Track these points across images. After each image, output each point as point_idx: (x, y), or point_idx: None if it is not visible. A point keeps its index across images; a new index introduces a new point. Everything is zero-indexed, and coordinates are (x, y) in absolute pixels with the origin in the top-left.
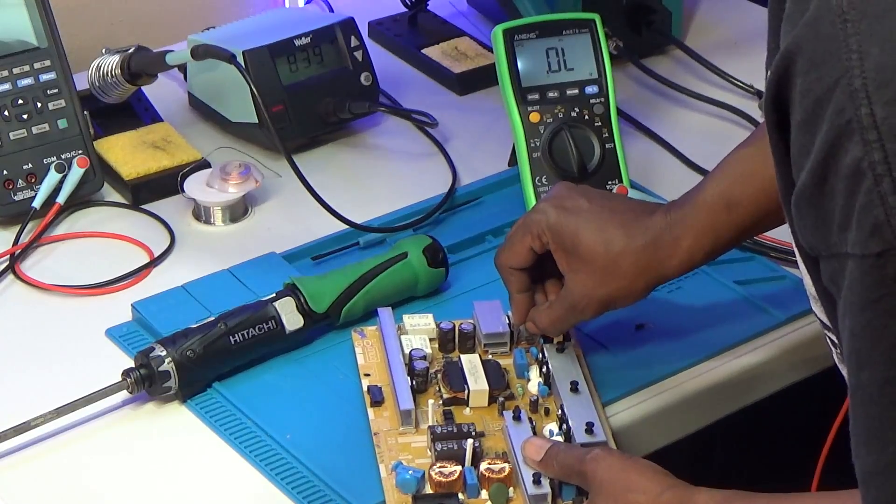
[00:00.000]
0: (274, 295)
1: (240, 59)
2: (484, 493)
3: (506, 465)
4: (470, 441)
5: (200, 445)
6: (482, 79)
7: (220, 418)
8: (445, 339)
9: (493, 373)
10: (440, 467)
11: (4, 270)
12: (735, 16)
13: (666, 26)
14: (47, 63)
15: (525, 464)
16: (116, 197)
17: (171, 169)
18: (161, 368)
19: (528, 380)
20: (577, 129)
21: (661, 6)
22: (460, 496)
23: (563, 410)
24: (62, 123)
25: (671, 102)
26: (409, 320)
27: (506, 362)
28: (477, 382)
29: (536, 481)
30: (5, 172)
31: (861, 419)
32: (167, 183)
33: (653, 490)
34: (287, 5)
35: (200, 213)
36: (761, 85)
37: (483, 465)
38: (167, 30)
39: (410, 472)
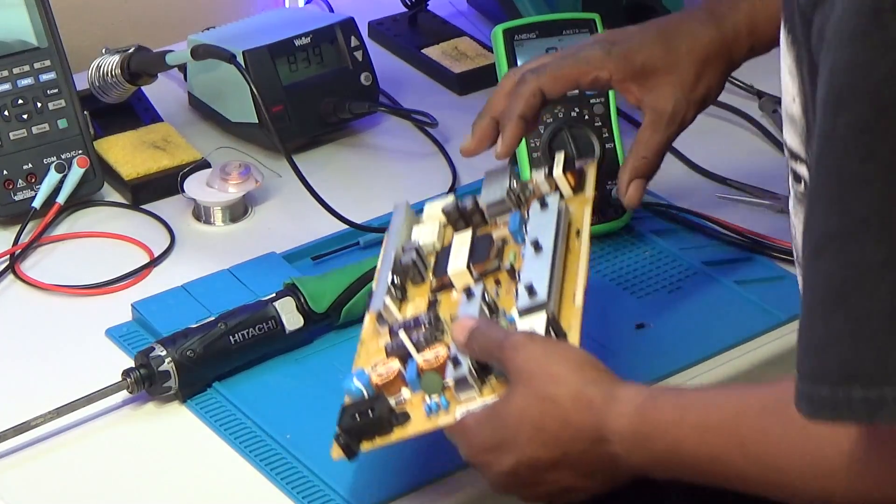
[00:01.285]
0: (274, 295)
1: (240, 59)
2: None
3: (442, 351)
4: (403, 332)
5: (200, 445)
6: (482, 79)
7: (220, 418)
8: (454, 219)
9: (480, 248)
10: (380, 365)
11: (4, 270)
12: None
13: None
14: (47, 63)
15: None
16: (116, 197)
17: (171, 169)
18: (161, 368)
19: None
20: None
21: (661, 6)
22: (406, 393)
23: (518, 275)
24: (62, 123)
25: None
26: (429, 209)
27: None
28: (456, 263)
29: (457, 363)
30: (5, 172)
31: (826, 177)
32: (167, 183)
33: (575, 383)
34: (287, 5)
35: (200, 213)
36: (761, 85)
37: (422, 356)
38: (167, 30)
39: (355, 378)
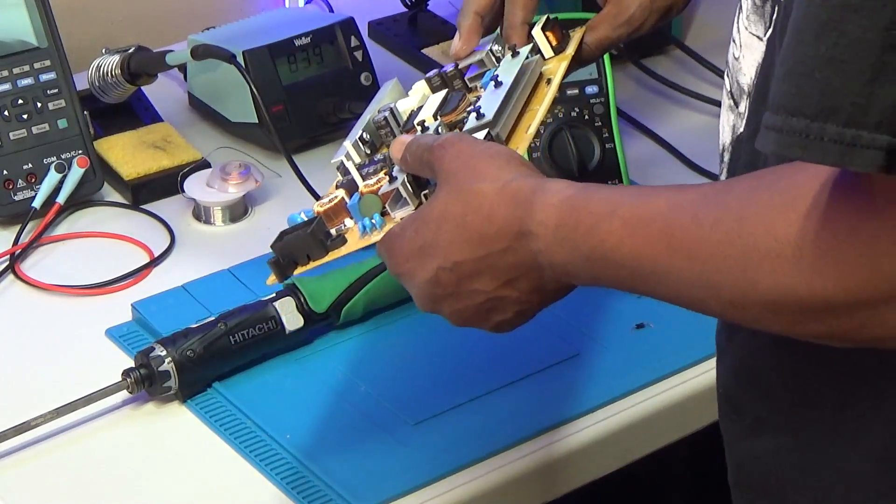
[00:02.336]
0: (274, 295)
1: (240, 59)
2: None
3: (385, 177)
4: (352, 167)
5: (200, 445)
6: None
7: (220, 418)
8: (436, 85)
9: (451, 101)
10: (326, 198)
11: (4, 270)
12: (735, 16)
13: (666, 26)
14: (47, 63)
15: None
16: (116, 197)
17: (171, 169)
18: (161, 368)
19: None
20: (577, 129)
21: None
22: (349, 223)
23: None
24: (62, 123)
25: (671, 102)
26: (417, 85)
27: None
28: (425, 113)
29: (392, 180)
30: (5, 172)
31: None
32: (167, 183)
33: (501, 178)
34: (287, 5)
35: (200, 213)
36: None
37: (364, 183)
38: (167, 30)
39: (301, 213)
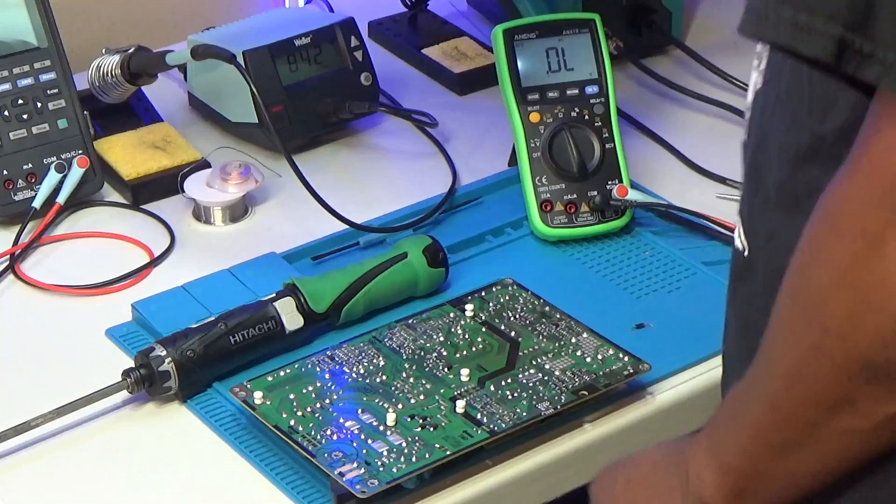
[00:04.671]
0: (274, 295)
1: (240, 59)
2: None
3: None
4: None
5: (200, 445)
6: (482, 79)
7: (220, 418)
8: None
9: None
10: None
11: (4, 270)
12: (735, 16)
13: (666, 26)
14: (47, 63)
15: None
16: (116, 197)
17: (171, 169)
18: (161, 368)
19: None
20: (577, 129)
21: (661, 6)
22: None
23: None
24: (62, 123)
25: (671, 102)
26: None
27: None
28: None
29: None
30: (5, 172)
31: None
32: (167, 183)
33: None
34: (287, 5)
35: (200, 213)
36: None
37: None
38: (167, 30)
39: None
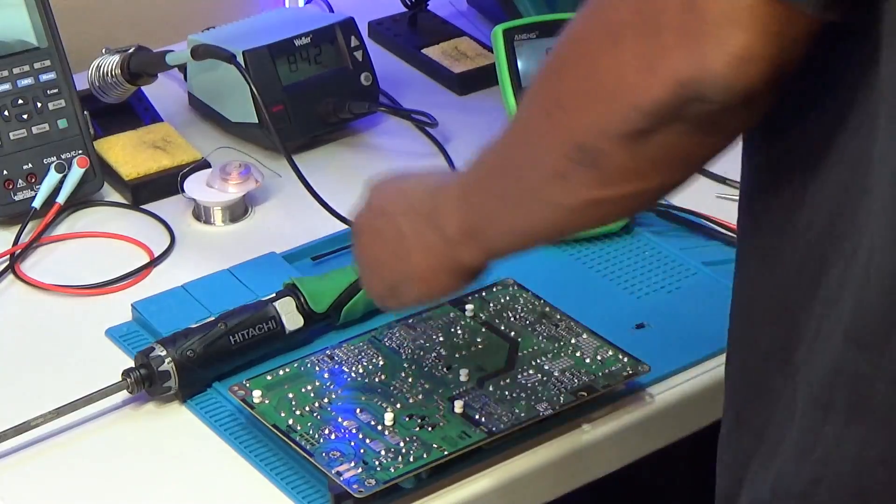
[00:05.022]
0: (274, 295)
1: (240, 59)
2: None
3: None
4: None
5: (200, 445)
6: (482, 79)
7: (220, 418)
8: None
9: None
10: None
11: (4, 270)
12: None
13: None
14: (47, 63)
15: None
16: (116, 197)
17: (171, 169)
18: (161, 368)
19: None
20: None
21: None
22: None
23: None
24: (62, 123)
25: None
26: None
27: None
28: None
29: None
30: (5, 172)
31: None
32: (167, 183)
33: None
34: (287, 5)
35: (200, 213)
36: None
37: None
38: (167, 30)
39: None
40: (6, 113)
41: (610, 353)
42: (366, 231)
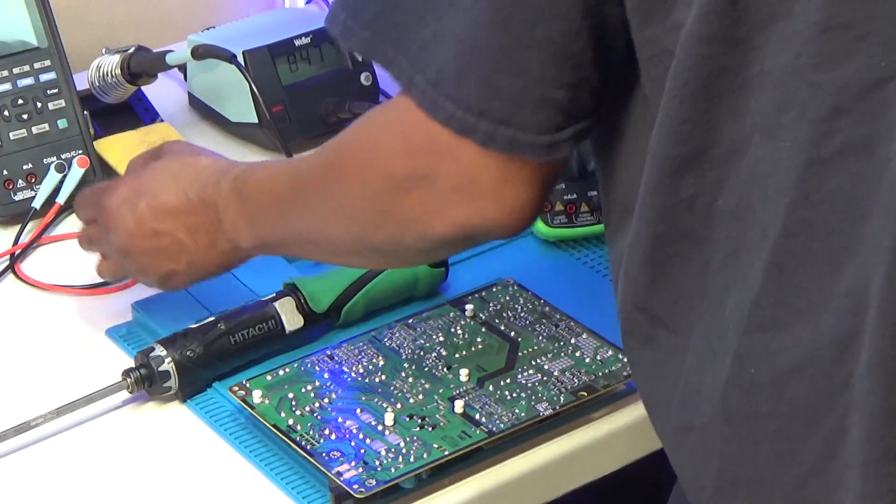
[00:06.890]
0: (274, 295)
1: (240, 59)
2: None
3: None
4: None
5: (200, 445)
6: None
7: (220, 418)
8: None
9: None
10: None
11: (4, 270)
12: None
13: None
14: (47, 63)
15: None
16: None
17: None
18: (161, 368)
19: None
20: None
21: None
22: None
23: None
24: (62, 123)
25: None
26: None
27: None
28: None
29: None
30: (5, 172)
31: None
32: None
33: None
34: (287, 5)
35: None
36: None
37: None
38: (167, 30)
39: None
40: (6, 113)
41: (610, 353)
42: (139, 253)
